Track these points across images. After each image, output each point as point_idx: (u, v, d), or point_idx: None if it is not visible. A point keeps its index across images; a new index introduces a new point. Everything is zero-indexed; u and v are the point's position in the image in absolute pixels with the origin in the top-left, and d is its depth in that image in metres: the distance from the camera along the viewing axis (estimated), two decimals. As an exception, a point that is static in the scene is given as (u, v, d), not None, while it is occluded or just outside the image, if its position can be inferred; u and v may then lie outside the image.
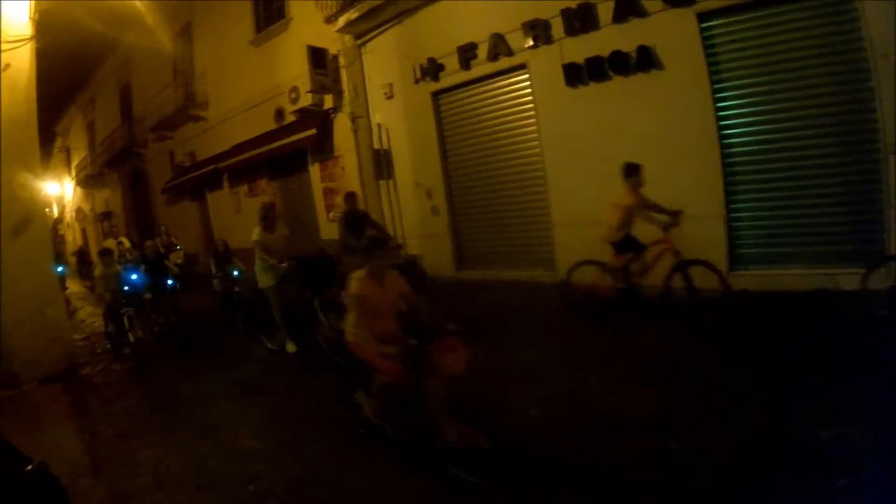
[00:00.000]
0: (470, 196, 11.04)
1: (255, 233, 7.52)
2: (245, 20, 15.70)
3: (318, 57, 12.38)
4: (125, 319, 8.43)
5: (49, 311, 8.43)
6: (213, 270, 10.46)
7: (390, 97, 11.87)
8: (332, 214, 13.87)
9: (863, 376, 4.29)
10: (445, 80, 10.79)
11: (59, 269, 16.28)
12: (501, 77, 10.02)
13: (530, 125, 9.71)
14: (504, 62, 9.74)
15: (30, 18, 8.15)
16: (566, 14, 8.60)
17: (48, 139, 31.47)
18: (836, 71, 6.66)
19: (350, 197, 8.33)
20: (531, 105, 9.63)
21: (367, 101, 12.42)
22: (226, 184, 17.90)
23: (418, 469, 3.98)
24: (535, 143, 9.64)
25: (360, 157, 12.65)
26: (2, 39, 7.77)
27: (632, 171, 6.76)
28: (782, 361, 4.94)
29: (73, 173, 32.20)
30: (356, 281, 4.09)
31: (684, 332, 6.14)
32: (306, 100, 13.07)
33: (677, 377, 4.98)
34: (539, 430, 4.42)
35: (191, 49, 18.58)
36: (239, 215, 17.53)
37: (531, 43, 9.17)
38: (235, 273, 9.87)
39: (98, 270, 9.29)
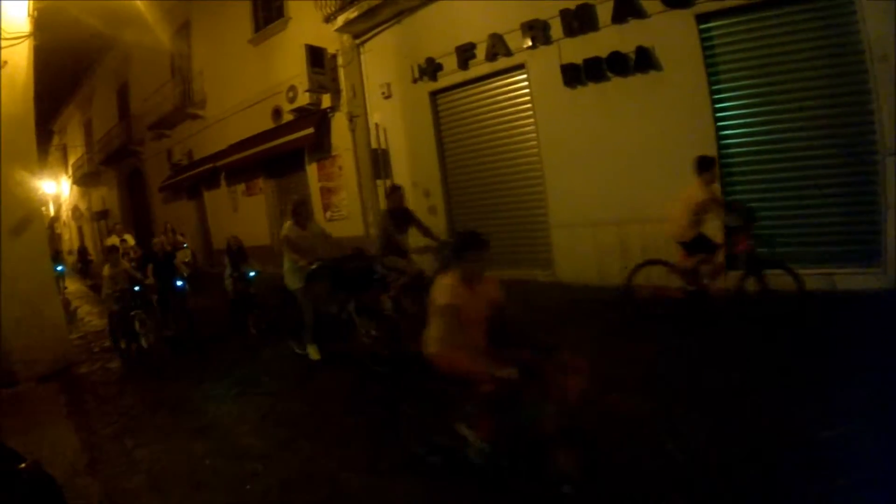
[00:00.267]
0: (467, 196, 11.04)
1: (286, 228, 6.93)
2: (244, 19, 15.67)
3: (316, 56, 12.37)
4: (136, 323, 8.04)
5: (46, 309, 8.41)
6: (229, 270, 9.61)
7: (388, 97, 11.85)
8: (329, 214, 13.88)
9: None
10: (443, 80, 10.78)
11: (59, 268, 16.32)
12: (500, 77, 10.01)
13: (528, 126, 9.71)
14: (502, 62, 9.73)
15: (28, 16, 8.12)
16: (565, 14, 8.61)
17: (45, 137, 31.38)
18: (835, 73, 6.68)
19: (395, 191, 7.53)
20: (529, 105, 9.62)
21: (364, 100, 12.40)
22: (223, 182, 17.87)
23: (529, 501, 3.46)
24: (533, 143, 9.64)
25: (358, 157, 12.65)
26: (0, 36, 7.75)
27: (706, 165, 6.24)
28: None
29: (70, 171, 32.11)
30: (447, 287, 3.50)
31: (779, 339, 5.50)
32: (304, 99, 13.07)
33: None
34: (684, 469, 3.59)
35: (189, 47, 18.55)
36: (236, 214, 17.55)
37: (530, 43, 9.16)
38: (252, 274, 9.34)
39: (106, 270, 8.75)
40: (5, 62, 7.84)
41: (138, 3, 13.00)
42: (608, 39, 8.24)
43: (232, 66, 16.20)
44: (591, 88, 8.62)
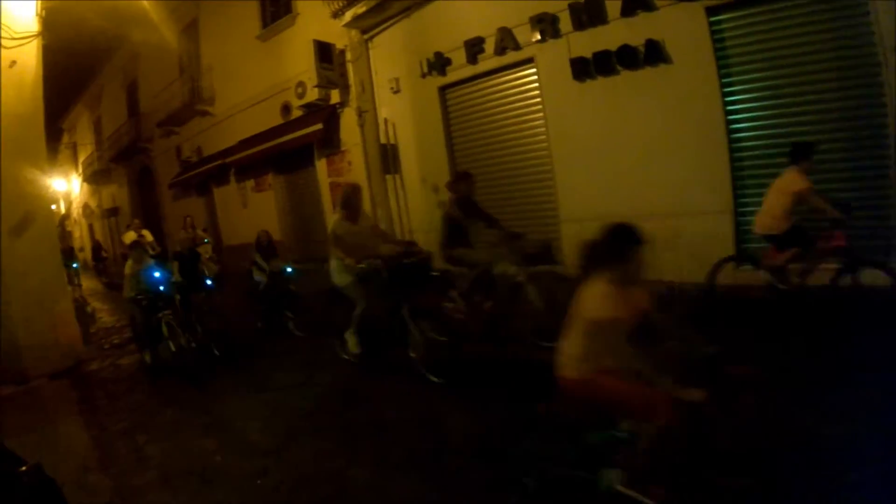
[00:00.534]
0: (477, 191, 10.96)
1: (335, 223, 6.24)
2: (251, 15, 15.71)
3: (324, 52, 12.39)
4: (164, 326, 7.15)
5: (57, 306, 8.46)
6: (263, 266, 8.89)
7: (397, 92, 11.86)
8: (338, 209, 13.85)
9: None
10: (452, 75, 10.78)
11: (74, 265, 16.44)
12: (508, 71, 10.00)
13: (537, 120, 9.69)
14: (511, 56, 9.72)
15: (36, 15, 8.17)
16: (574, 8, 8.58)
17: (55, 135, 31.54)
18: (846, 66, 6.63)
19: (466, 178, 6.86)
20: (538, 99, 9.60)
21: (373, 95, 12.42)
22: (232, 179, 17.95)
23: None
24: (543, 137, 9.62)
25: (367, 152, 12.66)
26: (9, 36, 7.78)
27: (804, 152, 5.79)
28: None
29: (80, 169, 32.28)
30: (604, 296, 2.82)
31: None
32: (313, 95, 13.05)
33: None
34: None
35: (197, 45, 18.60)
36: (245, 210, 17.62)
37: (538, 37, 9.14)
38: (289, 270, 8.78)
39: (128, 267, 7.77)
40: (14, 61, 7.89)
41: (145, 2, 13.01)
42: (617, 33, 8.20)
43: (240, 62, 16.23)
44: (601, 82, 8.58)
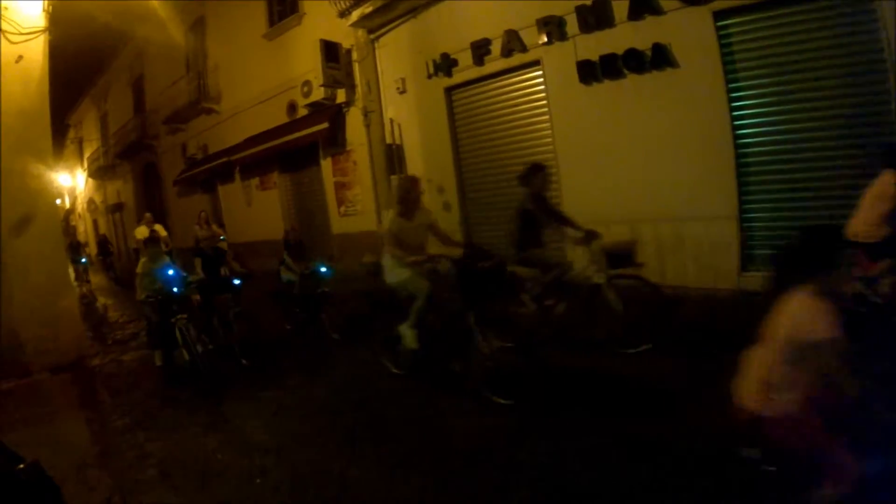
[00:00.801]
0: (482, 192, 11.03)
1: (389, 220, 5.76)
2: (258, 14, 15.78)
3: (331, 51, 12.41)
4: (183, 330, 6.59)
5: (60, 301, 8.46)
6: (293, 266, 8.30)
7: (403, 92, 11.87)
8: (343, 209, 13.90)
9: None
10: (458, 76, 10.79)
11: (83, 260, 16.49)
12: (515, 73, 10.01)
13: (543, 122, 9.69)
14: (517, 58, 9.72)
15: (43, 10, 8.18)
16: (581, 11, 8.57)
17: (61, 131, 31.75)
18: (853, 71, 6.59)
19: (540, 171, 6.16)
20: (544, 102, 9.60)
21: (379, 95, 12.44)
22: (237, 177, 18.02)
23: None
24: (548, 140, 9.62)
25: (372, 152, 12.69)
26: (16, 31, 7.80)
27: None
28: None
29: (86, 165, 32.44)
30: (817, 311, 2.31)
31: None
32: (319, 94, 13.10)
33: None
34: None
35: (204, 43, 18.68)
36: (250, 208, 17.66)
37: (545, 39, 9.13)
38: (323, 269, 8.04)
39: (141, 266, 7.17)
40: (20, 57, 7.90)
41: (152, 0, 13.02)
42: (624, 36, 8.20)
43: (246, 60, 16.30)
44: (607, 85, 8.57)
